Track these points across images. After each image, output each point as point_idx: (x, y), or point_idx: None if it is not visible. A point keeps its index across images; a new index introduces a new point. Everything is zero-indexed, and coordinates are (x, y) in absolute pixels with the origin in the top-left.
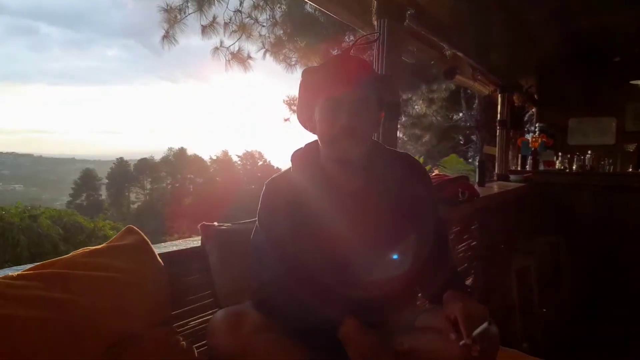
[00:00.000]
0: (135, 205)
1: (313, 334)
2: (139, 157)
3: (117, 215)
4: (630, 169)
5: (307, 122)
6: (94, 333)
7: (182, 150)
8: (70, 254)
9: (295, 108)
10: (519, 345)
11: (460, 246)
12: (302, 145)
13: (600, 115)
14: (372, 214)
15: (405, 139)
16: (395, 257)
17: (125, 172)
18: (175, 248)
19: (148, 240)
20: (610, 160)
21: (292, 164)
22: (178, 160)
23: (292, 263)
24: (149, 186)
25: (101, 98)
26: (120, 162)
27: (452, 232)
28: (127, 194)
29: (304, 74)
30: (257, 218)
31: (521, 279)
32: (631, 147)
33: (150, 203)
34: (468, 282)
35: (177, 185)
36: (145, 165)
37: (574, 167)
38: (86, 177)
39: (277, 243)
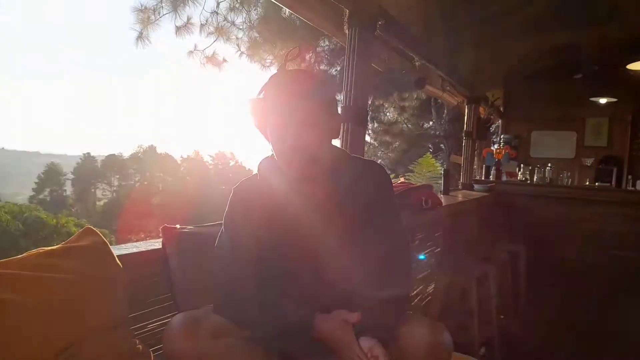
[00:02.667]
0: (102, 202)
1: (279, 338)
2: (107, 154)
3: (83, 212)
4: (588, 182)
5: (265, 137)
6: (42, 337)
7: (151, 148)
8: (25, 254)
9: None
10: (476, 352)
11: (423, 253)
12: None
13: (561, 130)
14: (335, 224)
15: (376, 144)
16: (354, 264)
17: (92, 168)
18: (135, 250)
19: (106, 242)
20: (569, 174)
21: (260, 171)
22: (148, 157)
23: (258, 268)
24: (116, 183)
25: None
26: (87, 158)
27: (416, 238)
28: (93, 190)
29: (249, 104)
30: (223, 222)
31: (481, 287)
32: (589, 162)
33: (117, 200)
34: (429, 288)
35: (145, 183)
36: (114, 162)
37: (535, 179)
38: (50, 172)
39: (243, 247)
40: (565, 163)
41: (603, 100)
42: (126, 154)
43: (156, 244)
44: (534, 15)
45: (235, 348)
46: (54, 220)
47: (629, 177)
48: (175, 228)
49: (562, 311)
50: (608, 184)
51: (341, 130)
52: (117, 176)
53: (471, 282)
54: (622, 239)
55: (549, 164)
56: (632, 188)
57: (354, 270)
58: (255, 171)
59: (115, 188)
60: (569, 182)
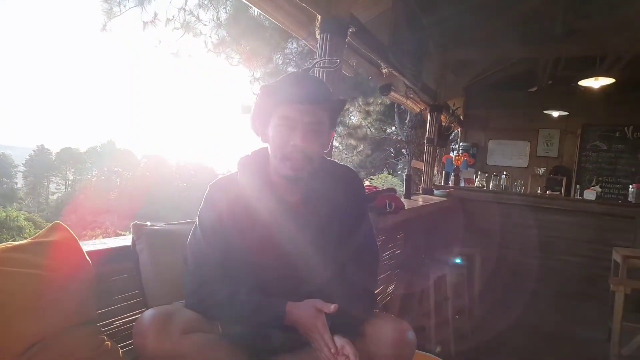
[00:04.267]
0: (55, 196)
1: (252, 328)
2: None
3: (34, 206)
4: (539, 190)
5: (260, 133)
6: (9, 332)
7: (110, 142)
8: None
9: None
10: (433, 350)
11: (385, 254)
12: (250, 151)
13: (516, 139)
14: (309, 226)
15: (341, 148)
16: (326, 263)
17: (45, 161)
18: (104, 246)
19: (76, 237)
20: (522, 182)
21: (238, 170)
22: (106, 152)
23: (231, 264)
24: (71, 177)
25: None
26: (41, 150)
27: (379, 241)
28: (46, 183)
29: (262, 88)
30: (197, 219)
31: (438, 288)
32: (540, 171)
33: (72, 195)
34: (390, 288)
35: (103, 178)
36: (69, 155)
37: (491, 186)
38: (0, 163)
39: (216, 244)
40: (519, 171)
41: (555, 114)
42: (83, 147)
43: (125, 240)
44: (495, 29)
45: (206, 343)
46: (3, 214)
47: (577, 186)
48: (146, 225)
49: (514, 312)
50: (558, 193)
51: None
52: (73, 170)
53: (429, 283)
54: (569, 245)
55: (504, 172)
56: (580, 197)
57: (326, 269)
58: (211, 167)
59: (70, 182)
60: (522, 190)
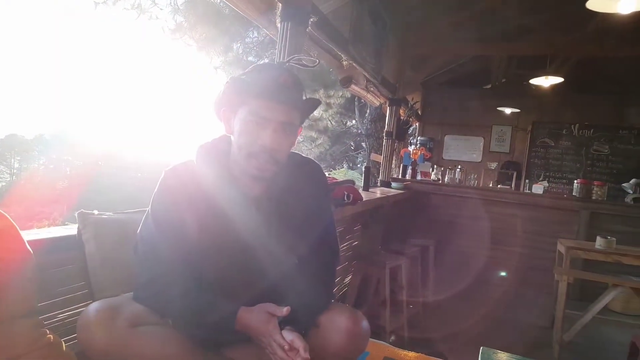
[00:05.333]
0: None
1: (201, 328)
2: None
3: None
4: (491, 184)
5: (224, 122)
6: None
7: (60, 130)
8: None
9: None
10: (387, 338)
11: (343, 245)
12: (211, 138)
13: (471, 135)
14: (272, 216)
15: (301, 139)
16: (284, 257)
17: None
18: (48, 235)
19: (16, 226)
20: (476, 175)
21: (197, 158)
22: (55, 140)
23: (184, 256)
24: (17, 165)
25: None
26: None
27: (337, 231)
28: None
29: (232, 81)
30: (150, 205)
31: (393, 278)
32: (493, 166)
33: (17, 184)
34: (347, 279)
35: (51, 166)
36: (14, 142)
37: (446, 179)
38: None
39: (169, 234)
40: (473, 166)
41: (508, 110)
42: (30, 135)
43: (71, 229)
44: (453, 26)
45: (156, 336)
46: None
47: (526, 181)
48: (93, 214)
49: (466, 300)
50: (508, 187)
51: None
52: (19, 158)
53: (385, 273)
54: (518, 236)
55: (459, 166)
56: (528, 191)
57: (286, 261)
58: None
59: (15, 171)
60: (475, 184)
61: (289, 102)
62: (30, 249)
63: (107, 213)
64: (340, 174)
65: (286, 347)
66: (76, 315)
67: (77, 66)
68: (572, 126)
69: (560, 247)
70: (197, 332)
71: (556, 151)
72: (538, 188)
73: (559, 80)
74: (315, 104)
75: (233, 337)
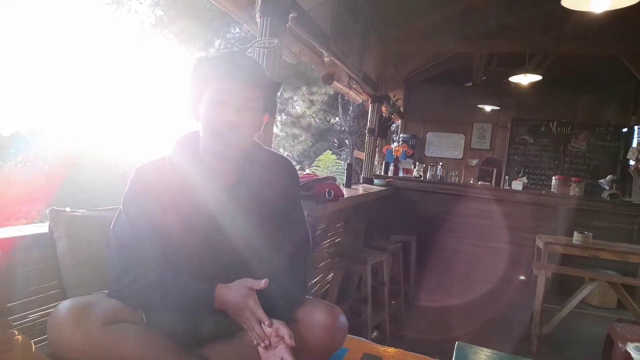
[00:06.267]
0: None
1: (181, 313)
2: None
3: None
4: (472, 181)
5: (191, 110)
6: None
7: (38, 127)
8: None
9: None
10: (369, 335)
11: (325, 242)
12: (182, 133)
13: (452, 132)
14: (243, 209)
15: (283, 135)
16: (258, 248)
17: None
18: (17, 234)
19: None
20: (457, 172)
21: (170, 151)
22: (33, 137)
23: (158, 249)
24: None
25: None
26: None
27: (318, 229)
28: None
29: (195, 63)
30: (122, 203)
31: (375, 274)
32: (474, 162)
33: None
34: (329, 276)
35: (28, 164)
36: None
37: (428, 176)
38: None
39: (142, 228)
40: (454, 162)
41: (488, 108)
42: (6, 131)
43: (42, 227)
44: (434, 23)
45: (130, 334)
46: None
47: (506, 177)
48: (65, 211)
49: (447, 296)
50: (488, 183)
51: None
52: None
53: (367, 270)
54: (498, 232)
55: (441, 163)
56: (508, 187)
57: (260, 255)
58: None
59: None
60: (457, 180)
61: (249, 80)
62: None
63: (80, 210)
64: (324, 158)
65: (267, 322)
66: (48, 316)
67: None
68: (551, 123)
69: (539, 243)
70: (174, 317)
71: (535, 148)
72: (517, 184)
73: (537, 78)
74: (276, 85)
75: (213, 323)
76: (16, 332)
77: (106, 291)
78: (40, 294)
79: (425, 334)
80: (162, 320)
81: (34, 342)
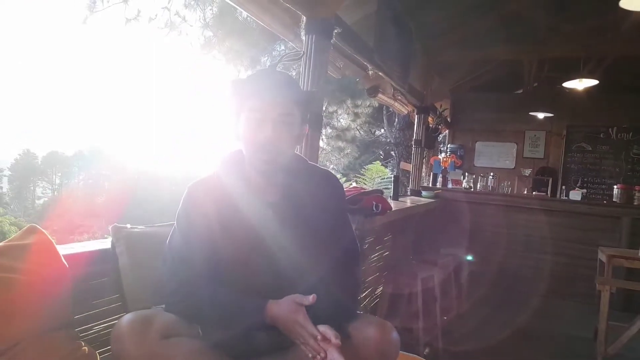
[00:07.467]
0: (42, 201)
1: (233, 329)
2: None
3: (20, 210)
4: (525, 191)
5: (232, 131)
6: None
7: (97, 146)
8: None
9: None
10: (421, 352)
11: (373, 256)
12: (228, 152)
13: (503, 141)
14: (288, 225)
15: (329, 149)
16: (307, 264)
17: (31, 165)
18: (83, 249)
19: (52, 240)
20: (509, 183)
21: (217, 170)
22: (93, 155)
23: (210, 265)
24: (58, 181)
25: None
26: (26, 154)
27: (366, 242)
28: (32, 188)
29: (231, 84)
30: (176, 220)
31: (425, 289)
32: (527, 172)
33: (58, 199)
34: (378, 290)
35: (90, 181)
36: (55, 159)
37: (478, 187)
38: None
39: (195, 244)
40: (506, 173)
41: (541, 115)
42: (70, 151)
43: (105, 243)
44: (478, 31)
45: (187, 348)
46: None
47: (563, 187)
48: (126, 227)
49: (501, 312)
50: (544, 194)
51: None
52: (59, 174)
53: (417, 284)
54: (555, 245)
55: (491, 173)
56: (565, 198)
57: (308, 270)
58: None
59: (56, 186)
60: (509, 191)
61: (281, 95)
62: (65, 263)
63: (139, 227)
64: (373, 168)
65: (319, 337)
66: (111, 327)
67: (110, 83)
68: (610, 129)
69: (601, 256)
70: (227, 332)
71: (593, 155)
72: (576, 194)
73: (594, 82)
74: (310, 94)
75: (265, 337)
76: (82, 344)
77: (163, 305)
78: (103, 307)
79: (480, 351)
80: (216, 334)
81: (99, 352)
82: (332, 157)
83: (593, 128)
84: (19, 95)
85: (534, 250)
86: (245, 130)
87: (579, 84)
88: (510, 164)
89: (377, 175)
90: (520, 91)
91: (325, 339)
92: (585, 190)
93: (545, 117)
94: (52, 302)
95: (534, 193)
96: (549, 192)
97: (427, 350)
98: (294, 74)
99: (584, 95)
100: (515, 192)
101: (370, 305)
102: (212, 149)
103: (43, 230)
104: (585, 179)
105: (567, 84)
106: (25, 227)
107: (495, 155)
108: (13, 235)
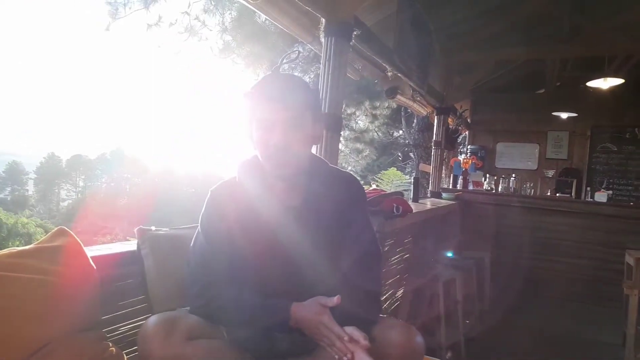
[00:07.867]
0: (66, 203)
1: (257, 330)
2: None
3: (45, 212)
4: (549, 193)
5: (247, 140)
6: (15, 339)
7: (119, 149)
8: None
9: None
10: (443, 355)
11: (393, 258)
12: (247, 155)
13: (525, 142)
14: (309, 228)
15: (348, 151)
16: (328, 266)
17: (56, 168)
18: (109, 251)
19: (80, 242)
20: (532, 184)
21: (238, 174)
22: (115, 158)
23: (233, 267)
24: (82, 184)
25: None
26: (51, 157)
27: (387, 244)
28: (57, 190)
29: (242, 97)
30: (199, 223)
31: (447, 292)
32: (550, 173)
33: (82, 201)
34: (399, 293)
35: (112, 184)
36: (79, 162)
37: (499, 189)
38: (11, 170)
39: (219, 247)
40: (528, 174)
41: (564, 115)
42: (93, 154)
43: (131, 245)
44: (499, 31)
45: (212, 349)
46: (12, 220)
47: (588, 188)
48: (151, 230)
49: (525, 315)
50: (568, 195)
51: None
52: (83, 177)
53: (438, 287)
54: (580, 248)
55: (513, 175)
56: (590, 199)
57: (328, 272)
58: (225, 174)
59: (80, 189)
60: (532, 192)
61: (288, 98)
62: (93, 265)
63: (164, 229)
64: (389, 174)
65: (346, 338)
66: (137, 328)
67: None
68: (636, 129)
69: (629, 259)
70: (252, 332)
71: (619, 156)
72: (601, 196)
73: (619, 81)
74: (317, 95)
75: (289, 340)
76: (110, 344)
77: (188, 307)
78: (129, 308)
79: (504, 356)
80: (240, 336)
81: (125, 353)
82: (350, 159)
83: (618, 128)
84: (42, 100)
85: (557, 252)
86: (257, 140)
87: (604, 83)
88: (532, 165)
89: (396, 179)
90: (542, 91)
91: (352, 340)
92: (610, 192)
93: (568, 117)
94: (81, 304)
95: (557, 194)
96: (573, 194)
97: (449, 354)
98: (312, 76)
99: (609, 95)
100: (538, 193)
101: (390, 308)
102: (230, 150)
103: (72, 233)
104: (611, 180)
105: (592, 84)
106: (55, 230)
107: (517, 156)
108: (42, 238)
